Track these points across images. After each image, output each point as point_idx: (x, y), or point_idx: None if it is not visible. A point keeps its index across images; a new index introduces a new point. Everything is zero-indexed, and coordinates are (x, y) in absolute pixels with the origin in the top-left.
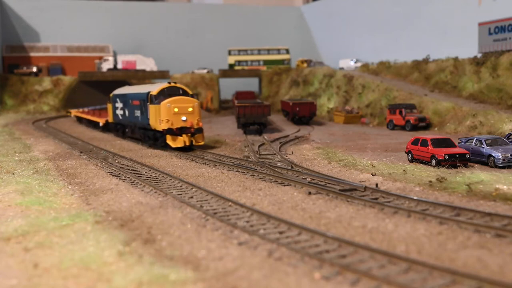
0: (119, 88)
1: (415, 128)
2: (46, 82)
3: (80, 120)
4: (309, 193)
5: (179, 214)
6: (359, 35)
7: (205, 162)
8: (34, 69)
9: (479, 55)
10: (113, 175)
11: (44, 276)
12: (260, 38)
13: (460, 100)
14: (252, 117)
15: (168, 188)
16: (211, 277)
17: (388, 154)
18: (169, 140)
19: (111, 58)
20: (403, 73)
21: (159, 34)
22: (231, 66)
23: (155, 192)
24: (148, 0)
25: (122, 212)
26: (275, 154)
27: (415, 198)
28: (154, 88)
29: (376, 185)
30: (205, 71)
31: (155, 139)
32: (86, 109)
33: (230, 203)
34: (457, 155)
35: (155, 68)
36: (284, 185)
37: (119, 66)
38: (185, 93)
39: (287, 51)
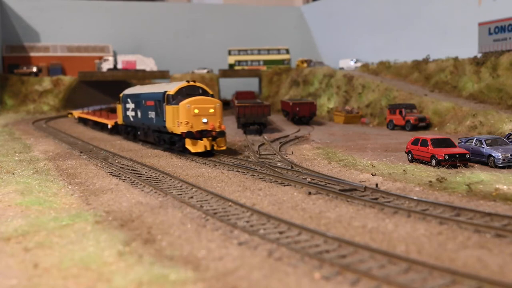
0: (130, 87)
1: (415, 128)
2: (46, 82)
3: (84, 121)
4: (309, 193)
5: (179, 214)
6: (359, 35)
7: (205, 162)
8: (34, 69)
9: (479, 55)
10: (113, 175)
11: (44, 276)
12: (260, 38)
13: (460, 100)
14: (252, 117)
15: (168, 188)
16: (211, 277)
17: (388, 154)
18: (188, 144)
19: (111, 58)
20: (403, 73)
21: (159, 34)
22: (231, 66)
23: (155, 192)
24: (148, 0)
25: (122, 212)
26: (275, 154)
27: (415, 198)
28: (171, 87)
29: (376, 185)
30: (205, 71)
31: (171, 143)
32: (90, 110)
33: (230, 203)
34: (457, 155)
35: (155, 68)
36: (284, 185)
37: (119, 66)
38: (205, 93)
39: (287, 51)
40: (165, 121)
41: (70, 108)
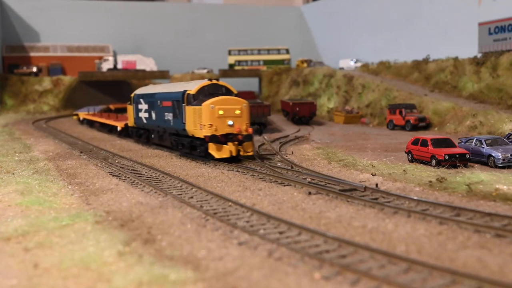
0: (142, 87)
1: (415, 128)
2: (46, 82)
3: (90, 123)
4: (309, 193)
5: (179, 214)
6: (359, 35)
7: (205, 162)
8: (34, 69)
9: (479, 55)
10: (113, 175)
11: (44, 276)
12: (260, 38)
13: (460, 100)
14: (252, 117)
15: (168, 188)
16: (211, 277)
17: (388, 154)
18: (212, 149)
19: (111, 58)
20: (403, 73)
21: (159, 34)
22: (231, 66)
23: (155, 192)
24: (148, 0)
25: (122, 212)
26: (275, 154)
27: (415, 198)
28: (191, 86)
29: (376, 185)
30: (205, 71)
31: (192, 148)
32: (95, 111)
33: (230, 203)
34: (457, 155)
35: (155, 68)
36: (284, 185)
37: (119, 66)
38: (228, 92)
39: (287, 51)
40: (184, 123)
41: (70, 108)
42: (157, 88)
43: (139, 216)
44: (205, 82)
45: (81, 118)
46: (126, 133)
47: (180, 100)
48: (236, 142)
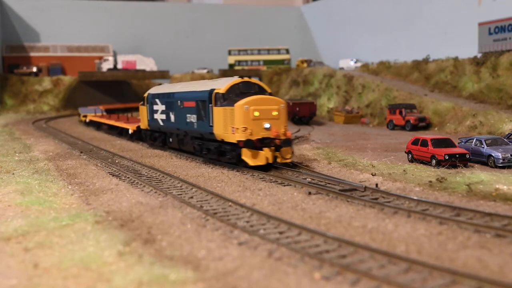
0: (157, 86)
1: (415, 128)
2: (46, 82)
3: (97, 125)
4: (309, 193)
5: (179, 214)
6: (359, 35)
7: (205, 162)
8: (34, 69)
9: (479, 55)
10: (113, 175)
11: (44, 276)
12: (260, 38)
13: (460, 100)
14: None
15: (168, 188)
16: (211, 277)
17: (388, 154)
18: (246, 156)
19: (111, 58)
20: (403, 73)
21: (159, 34)
22: (231, 66)
23: (155, 192)
24: (148, 0)
25: (122, 212)
26: None
27: (415, 198)
28: (219, 84)
29: (376, 185)
30: (205, 71)
31: (220, 154)
32: (102, 112)
33: (230, 203)
34: (457, 155)
35: (155, 68)
36: (284, 185)
37: (119, 66)
38: (262, 91)
39: (287, 51)
40: (212, 126)
41: (70, 108)
42: (176, 87)
43: (139, 216)
44: (236, 79)
45: (87, 120)
46: (138, 136)
47: (207, 100)
48: (272, 148)
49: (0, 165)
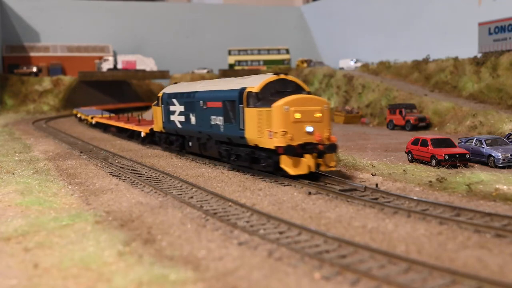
0: (172, 84)
1: (415, 128)
2: (46, 82)
3: (104, 127)
4: (309, 193)
5: (179, 214)
6: (359, 35)
7: (205, 162)
8: (34, 69)
9: (479, 55)
10: (113, 175)
11: (44, 276)
12: (260, 38)
13: (460, 100)
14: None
15: (168, 188)
16: (211, 277)
17: (388, 154)
18: (286, 164)
19: (111, 58)
20: (403, 73)
21: (159, 34)
22: (231, 66)
23: (155, 192)
24: (148, 0)
25: (122, 212)
26: None
27: (415, 198)
28: (251, 82)
29: (376, 185)
30: (205, 71)
31: (253, 161)
32: (109, 113)
33: (230, 203)
34: (457, 155)
35: (155, 68)
36: (284, 185)
37: (119, 66)
38: (300, 89)
39: (287, 51)
40: (243, 129)
41: (70, 108)
42: (197, 85)
43: (139, 216)
44: (270, 77)
45: (93, 122)
46: (151, 139)
47: (236, 101)
48: (315, 154)
49: (0, 165)
